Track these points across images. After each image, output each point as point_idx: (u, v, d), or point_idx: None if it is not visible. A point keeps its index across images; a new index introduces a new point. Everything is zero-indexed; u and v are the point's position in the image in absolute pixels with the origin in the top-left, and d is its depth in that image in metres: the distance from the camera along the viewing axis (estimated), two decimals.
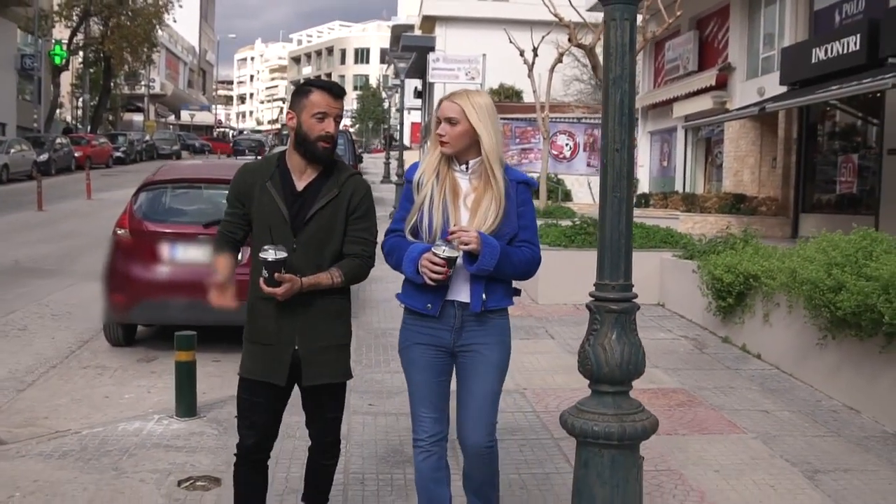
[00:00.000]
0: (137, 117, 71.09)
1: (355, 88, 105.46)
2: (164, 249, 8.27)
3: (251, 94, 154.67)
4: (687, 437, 5.87)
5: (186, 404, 6.18)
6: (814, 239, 7.52)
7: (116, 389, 7.34)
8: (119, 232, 8.45)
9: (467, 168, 3.75)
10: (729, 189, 22.77)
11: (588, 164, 32.10)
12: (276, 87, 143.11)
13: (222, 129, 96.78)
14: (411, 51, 38.00)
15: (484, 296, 3.67)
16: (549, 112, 19.88)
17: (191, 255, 8.21)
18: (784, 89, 19.32)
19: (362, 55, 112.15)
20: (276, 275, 3.55)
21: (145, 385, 7.49)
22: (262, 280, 3.57)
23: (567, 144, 30.72)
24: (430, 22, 48.18)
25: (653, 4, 15.78)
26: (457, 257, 3.53)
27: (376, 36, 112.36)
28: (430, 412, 3.73)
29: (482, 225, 3.62)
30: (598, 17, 17.67)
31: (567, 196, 27.18)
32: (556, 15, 15.76)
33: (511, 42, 19.16)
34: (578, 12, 17.00)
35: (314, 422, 3.96)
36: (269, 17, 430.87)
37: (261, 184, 3.76)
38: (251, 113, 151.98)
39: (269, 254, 3.51)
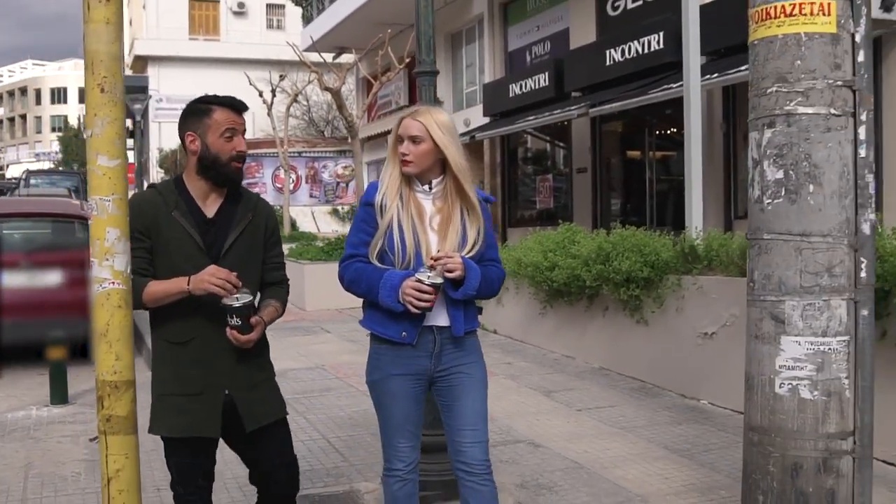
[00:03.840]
0: None
1: (53, 129, 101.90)
2: None
3: None
4: None
5: (60, 394, 7.49)
6: (531, 236, 9.83)
7: None
8: None
9: (430, 188, 3.58)
10: None
11: (310, 195, 34.08)
12: None
13: None
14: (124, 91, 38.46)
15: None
16: (287, 147, 21.65)
17: (15, 280, 9.36)
18: (487, 120, 22.08)
19: (59, 95, 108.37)
20: (252, 320, 3.34)
21: None
22: (231, 330, 3.30)
23: (290, 177, 32.57)
24: (141, 61, 48.44)
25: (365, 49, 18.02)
26: (441, 283, 3.38)
27: (73, 75, 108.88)
28: (408, 441, 3.60)
29: (454, 248, 3.48)
30: (321, 57, 19.72)
31: (294, 226, 29.00)
32: (302, 60, 17.65)
33: (251, 84, 20.88)
34: (323, 57, 18.89)
35: (270, 472, 3.60)
36: None
37: (165, 213, 3.37)
38: None
39: (235, 300, 3.25)
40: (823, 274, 3.94)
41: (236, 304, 3.25)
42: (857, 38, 3.97)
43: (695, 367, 7.24)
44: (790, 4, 3.95)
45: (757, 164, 4.10)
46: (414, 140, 3.50)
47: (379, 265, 3.52)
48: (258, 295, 3.59)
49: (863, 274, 3.99)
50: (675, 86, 12.35)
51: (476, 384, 3.62)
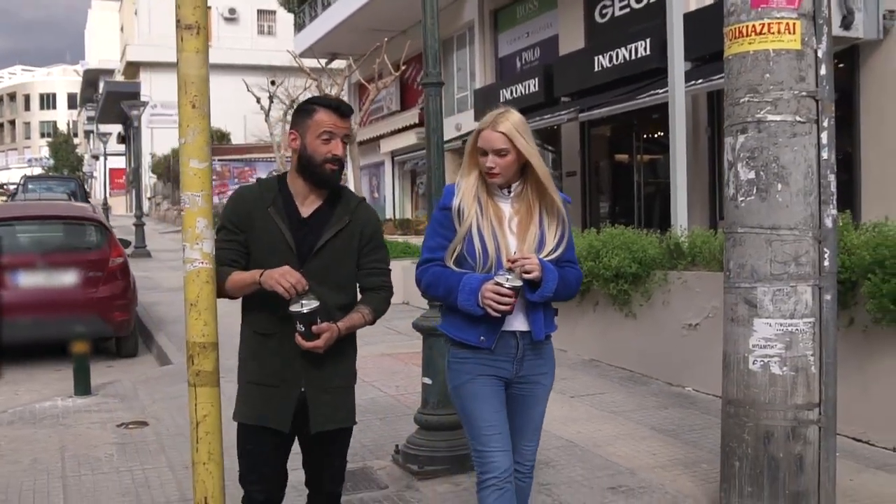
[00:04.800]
0: None
1: (43, 135, 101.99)
2: (7, 276, 9.78)
3: None
4: None
5: (83, 385, 7.95)
6: None
7: None
8: None
9: (509, 192, 3.56)
10: None
11: None
12: None
13: None
14: (116, 97, 39.06)
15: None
16: (284, 152, 22.16)
17: (32, 280, 9.82)
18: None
19: (48, 100, 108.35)
20: (314, 327, 3.28)
21: (10, 390, 9.03)
22: (298, 336, 3.29)
23: None
24: (133, 67, 48.89)
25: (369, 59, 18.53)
26: (521, 286, 3.35)
27: (62, 80, 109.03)
28: (502, 446, 3.50)
29: (532, 249, 3.45)
30: (318, 63, 20.19)
31: None
32: (301, 67, 18.16)
33: (248, 90, 21.29)
34: (320, 63, 19.38)
35: (319, 473, 3.67)
36: None
37: (262, 210, 3.40)
38: None
39: (299, 305, 3.24)
40: (791, 263, 4.45)
41: (302, 311, 3.23)
42: (820, 54, 4.49)
43: (680, 356, 7.73)
44: (760, 24, 4.46)
45: (731, 166, 4.61)
46: (499, 153, 3.46)
47: (456, 269, 3.49)
48: (357, 297, 3.60)
49: (826, 263, 4.50)
50: (660, 91, 12.84)
51: (545, 393, 3.68)
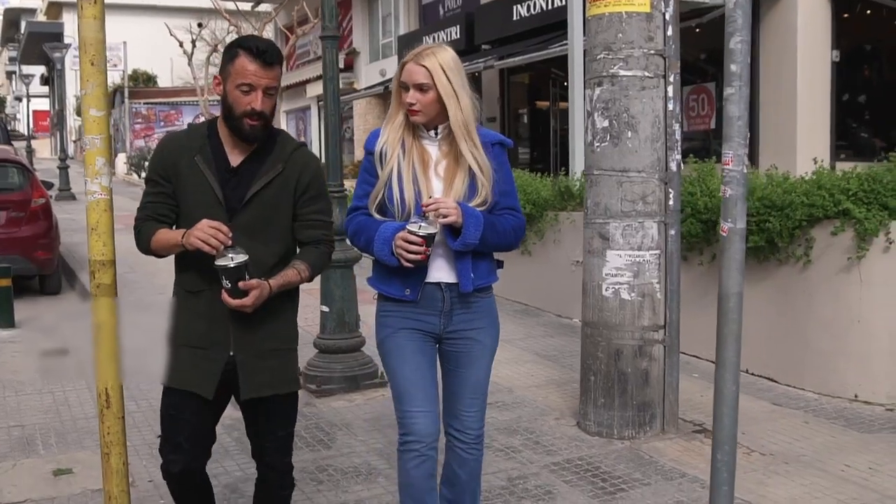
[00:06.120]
0: None
1: None
2: None
3: None
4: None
5: (7, 317, 8.36)
6: None
7: None
8: None
9: (436, 134, 3.29)
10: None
11: None
12: None
13: None
14: (39, 38, 38.49)
15: (472, 273, 3.25)
16: (207, 95, 22.29)
17: None
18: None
19: None
20: (240, 283, 2.98)
21: None
22: (224, 293, 3.00)
23: None
24: (56, 7, 48.07)
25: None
26: (435, 233, 3.08)
27: None
28: (425, 407, 3.23)
29: (461, 195, 3.18)
30: (236, 7, 20.30)
31: None
32: (219, 11, 18.32)
33: (171, 34, 21.34)
34: (238, 7, 19.50)
35: (262, 443, 3.32)
36: None
37: (188, 158, 3.13)
38: None
39: (227, 259, 2.96)
40: (639, 202, 5.06)
41: (229, 265, 2.97)
42: (667, 17, 5.06)
43: (569, 290, 8.35)
44: None
45: (589, 115, 5.19)
46: (420, 88, 3.19)
47: (379, 217, 3.28)
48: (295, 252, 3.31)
49: (671, 202, 5.12)
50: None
51: (483, 351, 3.36)
